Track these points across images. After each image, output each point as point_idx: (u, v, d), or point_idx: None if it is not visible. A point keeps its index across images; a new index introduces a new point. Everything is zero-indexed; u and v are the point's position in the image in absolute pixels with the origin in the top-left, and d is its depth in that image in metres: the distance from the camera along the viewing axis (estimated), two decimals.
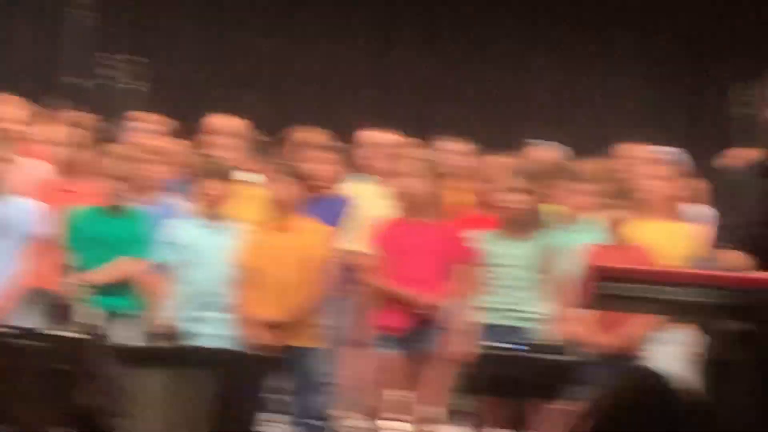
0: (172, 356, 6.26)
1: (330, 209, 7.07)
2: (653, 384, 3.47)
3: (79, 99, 8.81)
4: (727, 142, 7.63)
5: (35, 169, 7.20)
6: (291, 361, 6.60)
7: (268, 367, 6.60)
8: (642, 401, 3.42)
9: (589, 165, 7.75)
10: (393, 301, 6.59)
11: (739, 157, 6.42)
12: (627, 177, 7.72)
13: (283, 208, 6.76)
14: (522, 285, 6.51)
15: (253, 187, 7.10)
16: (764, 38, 10.45)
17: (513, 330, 6.43)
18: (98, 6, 10.33)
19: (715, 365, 4.40)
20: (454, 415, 6.37)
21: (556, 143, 8.83)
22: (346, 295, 6.93)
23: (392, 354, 6.55)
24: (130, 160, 6.85)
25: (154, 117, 8.00)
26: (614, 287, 4.09)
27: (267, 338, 6.56)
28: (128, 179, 6.78)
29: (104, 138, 7.39)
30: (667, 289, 4.05)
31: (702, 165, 8.06)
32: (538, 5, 11.34)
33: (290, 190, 6.72)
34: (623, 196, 6.57)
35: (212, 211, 6.79)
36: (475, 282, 6.59)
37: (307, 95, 11.13)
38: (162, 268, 6.72)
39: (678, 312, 4.11)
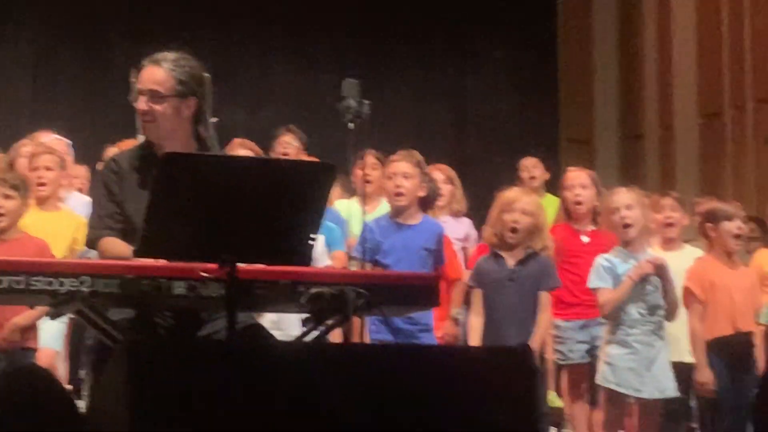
0: None
1: None
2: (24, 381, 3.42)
3: None
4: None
5: None
6: None
7: None
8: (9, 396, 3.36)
9: None
10: None
11: (125, 145, 6.48)
12: (21, 167, 7.59)
13: None
14: None
15: None
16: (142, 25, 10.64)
17: None
18: None
19: (97, 353, 4.43)
20: None
21: None
22: None
23: None
24: None
25: None
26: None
27: None
28: None
29: None
30: (49, 279, 4.02)
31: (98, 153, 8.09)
32: None
33: None
34: (17, 187, 6.41)
35: None
36: None
37: None
38: None
39: (61, 302, 4.06)
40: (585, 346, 6.87)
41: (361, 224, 6.78)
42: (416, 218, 6.83)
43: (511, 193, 6.62)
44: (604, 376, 6.38)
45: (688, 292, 6.59)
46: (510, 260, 6.49)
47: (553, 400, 7.97)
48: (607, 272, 6.36)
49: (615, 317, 6.36)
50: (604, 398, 6.52)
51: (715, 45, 11.49)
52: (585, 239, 7.05)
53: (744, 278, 6.72)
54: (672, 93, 12.05)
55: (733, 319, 6.52)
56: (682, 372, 6.59)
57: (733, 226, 6.66)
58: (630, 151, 12.61)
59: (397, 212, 6.81)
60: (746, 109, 11.18)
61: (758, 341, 6.64)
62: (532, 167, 9.51)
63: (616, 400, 6.40)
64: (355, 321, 6.24)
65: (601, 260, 6.43)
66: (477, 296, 6.58)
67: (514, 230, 6.44)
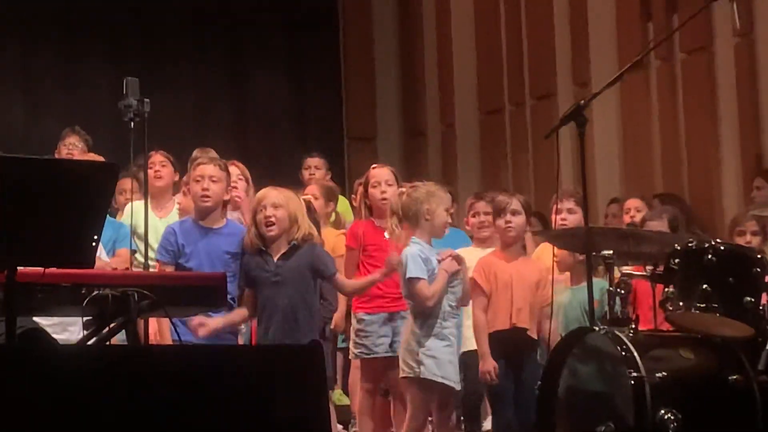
0: None
1: None
2: None
3: None
4: None
5: None
6: None
7: None
8: None
9: None
10: None
11: None
12: None
13: None
14: None
15: None
16: None
17: None
18: None
19: None
20: None
21: None
22: None
23: None
24: None
25: None
26: None
27: None
28: None
29: None
30: None
31: None
32: None
33: None
34: None
35: None
36: None
37: None
38: None
39: None
40: (388, 340, 6.87)
41: (150, 225, 6.70)
42: (220, 222, 6.78)
43: (259, 194, 6.69)
44: (430, 371, 6.39)
45: (473, 283, 6.67)
46: (275, 256, 6.51)
47: (340, 398, 7.99)
48: (424, 263, 6.44)
49: (428, 310, 6.43)
50: (418, 391, 6.48)
51: (494, 43, 11.71)
52: (387, 235, 7.05)
53: (526, 272, 6.80)
54: (453, 90, 12.24)
55: (510, 314, 6.62)
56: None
57: (502, 221, 6.81)
58: (413, 147, 12.75)
59: (201, 215, 6.74)
60: (525, 105, 11.44)
61: (546, 334, 6.64)
62: (314, 167, 9.65)
63: (431, 391, 6.44)
64: (159, 322, 6.20)
65: (415, 250, 6.47)
66: (247, 296, 6.59)
67: (269, 225, 6.49)
